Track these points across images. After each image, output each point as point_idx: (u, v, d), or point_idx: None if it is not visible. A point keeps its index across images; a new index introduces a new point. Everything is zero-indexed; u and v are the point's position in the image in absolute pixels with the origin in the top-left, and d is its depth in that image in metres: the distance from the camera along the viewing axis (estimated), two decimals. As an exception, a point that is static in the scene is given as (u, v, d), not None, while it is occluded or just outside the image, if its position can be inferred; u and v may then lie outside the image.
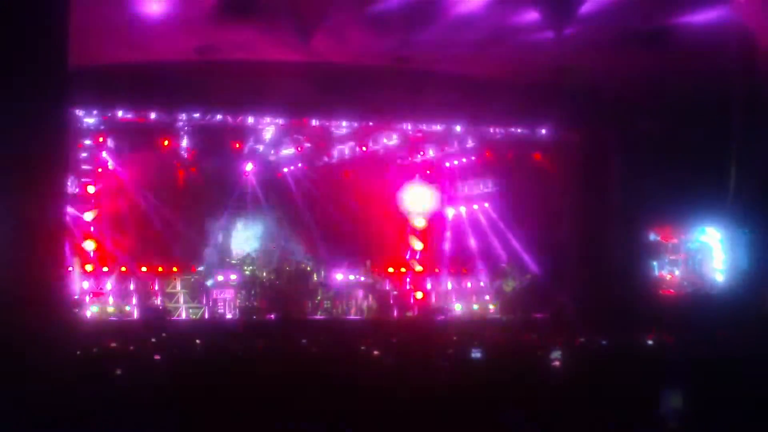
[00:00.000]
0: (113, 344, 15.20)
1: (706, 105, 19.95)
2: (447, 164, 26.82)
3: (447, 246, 26.91)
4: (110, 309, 22.00)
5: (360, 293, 24.12)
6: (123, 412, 8.86)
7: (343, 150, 25.41)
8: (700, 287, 22.62)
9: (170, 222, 25.15)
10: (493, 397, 10.02)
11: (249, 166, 25.70)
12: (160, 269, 24.25)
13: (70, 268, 21.52)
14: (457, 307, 24.13)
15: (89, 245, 23.27)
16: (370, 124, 23.60)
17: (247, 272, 23.52)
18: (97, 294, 22.44)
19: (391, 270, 26.06)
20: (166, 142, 23.05)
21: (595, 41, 18.22)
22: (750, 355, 12.17)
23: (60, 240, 11.43)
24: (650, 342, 15.52)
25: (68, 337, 11.68)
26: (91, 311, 21.58)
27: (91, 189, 23.41)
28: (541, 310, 23.11)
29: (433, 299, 24.88)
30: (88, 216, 23.42)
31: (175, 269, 24.42)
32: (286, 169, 26.41)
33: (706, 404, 9.40)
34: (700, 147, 20.60)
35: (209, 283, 23.50)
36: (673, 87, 20.18)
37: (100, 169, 23.64)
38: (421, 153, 25.69)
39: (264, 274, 23.58)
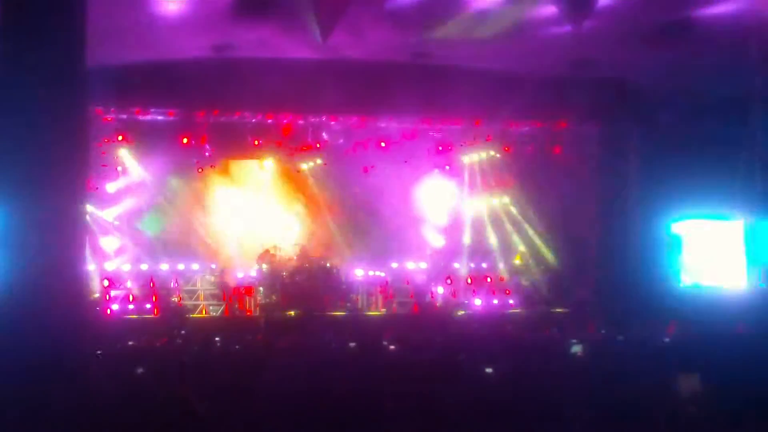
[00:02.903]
0: (132, 342, 15.28)
1: (728, 97, 19.88)
2: (466, 159, 26.79)
3: (467, 241, 26.88)
4: (130, 307, 22.09)
5: (380, 288, 24.15)
6: (144, 411, 8.89)
7: (362, 146, 25.39)
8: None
9: (190, 219, 25.25)
10: (513, 391, 10.02)
11: (268, 163, 25.69)
12: (180, 267, 24.35)
13: (91, 267, 21.62)
14: (477, 302, 24.08)
15: (109, 243, 23.39)
16: (389, 119, 23.58)
17: (266, 269, 23.52)
18: (117, 292, 22.54)
19: (411, 265, 26.13)
20: (185, 140, 23.11)
21: (615, 34, 18.17)
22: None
23: (80, 238, 11.46)
24: (670, 336, 15.47)
25: (89, 336, 11.73)
26: (111, 309, 21.66)
27: (110, 187, 23.53)
28: (561, 305, 23.09)
29: (453, 294, 24.88)
30: (108, 214, 23.54)
31: (195, 266, 24.53)
32: (305, 166, 26.39)
33: (725, 398, 9.38)
34: (722, 139, 20.52)
35: (228, 279, 23.59)
36: (694, 79, 20.11)
37: (119, 168, 23.75)
38: (440, 148, 25.68)
39: (284, 271, 23.57)
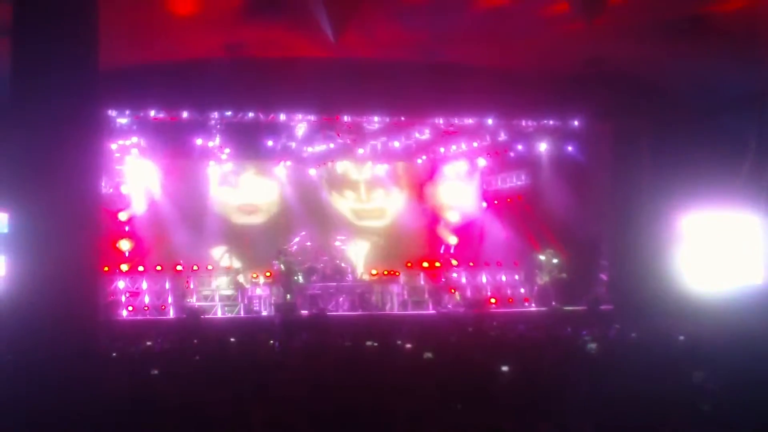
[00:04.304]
0: (149, 343, 15.29)
1: (741, 93, 19.82)
2: (480, 157, 26.78)
3: (481, 239, 26.88)
4: (145, 308, 22.14)
5: (394, 288, 24.14)
6: (158, 412, 8.90)
7: (376, 145, 25.39)
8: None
9: (204, 220, 25.30)
10: (528, 388, 10.00)
11: (281, 164, 25.75)
12: (195, 267, 24.40)
13: (105, 268, 21.66)
14: (492, 301, 24.09)
15: (124, 245, 23.44)
16: (402, 118, 23.57)
17: (283, 269, 23.53)
18: (133, 294, 22.60)
19: (425, 264, 26.15)
20: (198, 141, 23.14)
21: (627, 31, 18.13)
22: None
23: (95, 240, 11.48)
24: (685, 333, 15.42)
25: (104, 337, 11.76)
26: (126, 311, 21.71)
27: (125, 189, 23.58)
28: (575, 303, 23.06)
29: (468, 293, 24.89)
30: (123, 215, 23.59)
31: (209, 267, 24.58)
32: (314, 170, 26.45)
33: (741, 396, 9.34)
34: (735, 136, 20.47)
35: (243, 280, 23.66)
36: (707, 76, 20.05)
37: (133, 169, 23.80)
38: (454, 146, 25.69)
39: (298, 271, 23.59)
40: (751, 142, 20.19)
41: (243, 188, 26.22)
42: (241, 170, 25.95)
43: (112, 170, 23.00)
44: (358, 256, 25.94)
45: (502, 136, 24.42)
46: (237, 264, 25.19)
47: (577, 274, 24.09)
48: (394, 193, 27.16)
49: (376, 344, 14.24)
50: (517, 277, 25.66)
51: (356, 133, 24.28)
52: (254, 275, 24.36)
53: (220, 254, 25.52)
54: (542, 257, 24.92)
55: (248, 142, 23.82)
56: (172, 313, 22.11)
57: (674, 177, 21.83)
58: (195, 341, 15.88)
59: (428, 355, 13.07)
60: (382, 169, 27.10)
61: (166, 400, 9.20)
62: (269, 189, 26.37)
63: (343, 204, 26.95)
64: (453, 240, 26.97)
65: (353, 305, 23.11)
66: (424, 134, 24.35)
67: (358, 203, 27.04)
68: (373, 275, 24.99)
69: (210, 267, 24.65)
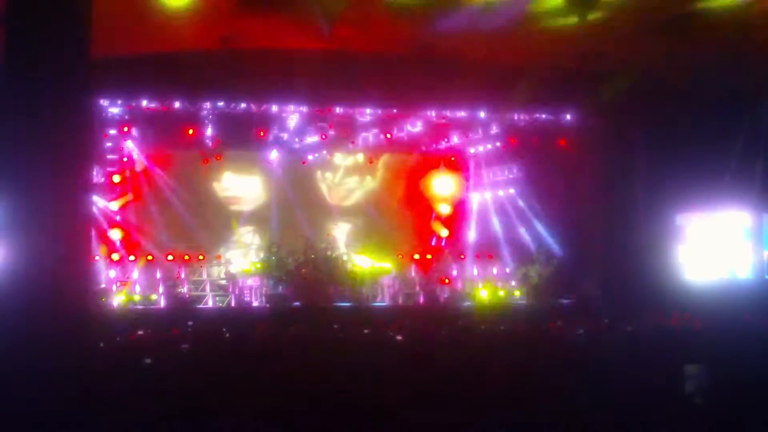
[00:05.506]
0: (140, 333, 15.30)
1: (735, 90, 19.84)
2: (472, 150, 26.79)
3: (472, 232, 26.89)
4: (136, 298, 22.11)
5: (386, 280, 24.15)
6: (149, 402, 8.90)
7: (368, 137, 25.36)
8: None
9: (196, 210, 25.28)
10: (519, 382, 10.02)
11: (273, 154, 25.73)
12: (186, 257, 24.37)
13: (96, 258, 21.65)
14: (483, 293, 24.08)
15: (115, 234, 23.44)
16: (394, 111, 23.56)
17: (273, 259, 23.51)
18: (124, 283, 22.57)
19: (416, 257, 26.17)
20: (190, 131, 23.10)
21: (621, 27, 18.12)
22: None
23: (86, 229, 11.45)
24: (676, 327, 15.47)
25: (94, 327, 11.74)
26: (117, 300, 21.69)
27: (116, 178, 23.56)
28: (567, 296, 23.09)
29: (459, 286, 24.89)
30: (114, 205, 23.57)
31: (201, 257, 24.57)
32: (310, 157, 26.44)
33: (732, 388, 9.38)
34: (725, 132, 20.49)
35: (234, 270, 23.67)
36: (698, 72, 20.06)
37: (125, 159, 23.78)
38: (446, 140, 25.67)
39: (290, 261, 23.56)
40: (741, 139, 20.24)
41: (234, 178, 26.22)
42: (233, 160, 25.93)
43: (103, 159, 22.95)
44: (349, 247, 25.93)
45: (495, 130, 24.46)
46: (228, 254, 25.18)
47: (568, 268, 24.10)
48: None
49: (367, 336, 14.27)
50: (508, 270, 25.65)
51: (348, 125, 24.28)
52: (246, 268, 24.36)
53: (212, 244, 25.48)
54: (533, 251, 24.95)
55: (240, 133, 23.78)
56: (163, 303, 22.09)
57: (666, 172, 21.87)
58: (188, 331, 15.91)
59: (418, 347, 13.11)
60: (373, 159, 27.10)
61: (157, 390, 9.22)
62: (260, 180, 26.38)
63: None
64: (444, 232, 26.98)
65: (344, 297, 23.09)
66: (416, 127, 24.35)
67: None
68: (364, 268, 25.00)
69: (201, 257, 24.65)
